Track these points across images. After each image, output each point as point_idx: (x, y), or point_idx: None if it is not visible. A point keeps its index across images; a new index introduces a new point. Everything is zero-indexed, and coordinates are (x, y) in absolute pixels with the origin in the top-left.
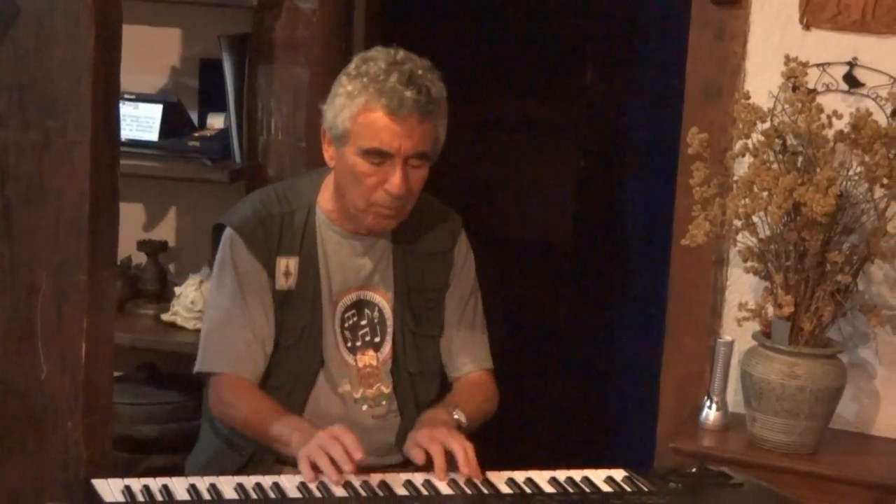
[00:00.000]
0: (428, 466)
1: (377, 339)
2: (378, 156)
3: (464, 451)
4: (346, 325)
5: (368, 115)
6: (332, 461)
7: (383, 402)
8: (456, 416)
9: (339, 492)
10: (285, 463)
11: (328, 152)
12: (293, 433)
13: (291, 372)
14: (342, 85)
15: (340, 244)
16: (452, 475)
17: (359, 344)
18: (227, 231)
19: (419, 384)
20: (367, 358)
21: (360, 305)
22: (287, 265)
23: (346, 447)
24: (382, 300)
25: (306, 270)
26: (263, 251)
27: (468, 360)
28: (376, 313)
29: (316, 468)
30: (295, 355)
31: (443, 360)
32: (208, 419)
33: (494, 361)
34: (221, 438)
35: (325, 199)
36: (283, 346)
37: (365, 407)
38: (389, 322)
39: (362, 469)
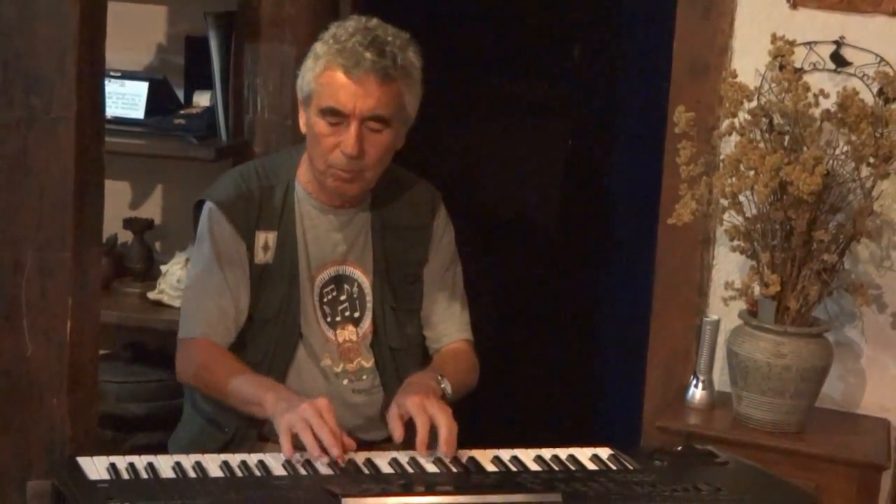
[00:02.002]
0: (409, 441)
1: (356, 315)
2: (334, 115)
3: (448, 431)
4: (325, 300)
5: (328, 75)
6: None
7: (364, 377)
8: (443, 385)
9: (325, 470)
10: (268, 440)
11: (301, 118)
12: (267, 393)
13: (270, 346)
14: (313, 49)
15: (319, 219)
16: (432, 452)
17: (338, 319)
18: (207, 205)
19: (401, 359)
20: (347, 333)
21: (338, 280)
22: (266, 239)
23: (335, 432)
24: (361, 275)
25: (284, 245)
26: (243, 224)
27: (449, 330)
28: (355, 288)
29: (297, 441)
30: (273, 330)
31: (423, 332)
32: (190, 397)
33: (480, 341)
34: (204, 417)
35: (304, 173)
36: (260, 320)
37: (346, 381)
38: (369, 297)
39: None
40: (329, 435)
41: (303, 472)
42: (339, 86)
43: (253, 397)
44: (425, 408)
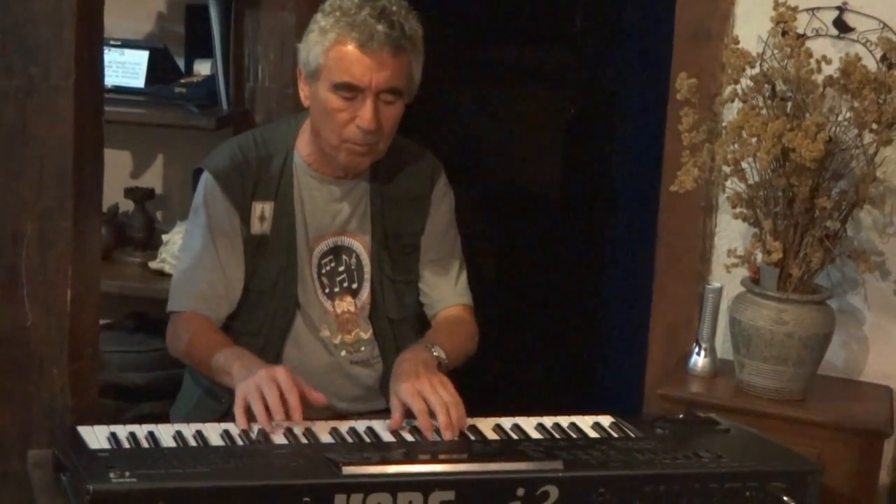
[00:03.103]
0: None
1: (355, 286)
2: (349, 90)
3: (446, 411)
4: (324, 270)
5: (340, 49)
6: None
7: (363, 348)
8: (436, 354)
9: (325, 438)
10: None
11: (304, 91)
12: (235, 361)
13: (267, 317)
14: (316, 21)
15: (318, 189)
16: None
17: (336, 290)
18: (204, 174)
19: (400, 330)
20: (345, 304)
21: (337, 251)
22: (262, 210)
23: (284, 393)
24: (360, 246)
25: (282, 215)
26: (238, 195)
27: (445, 295)
28: (354, 259)
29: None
30: (270, 300)
31: (420, 298)
32: (189, 368)
33: (484, 309)
34: (202, 388)
35: (303, 144)
36: (257, 290)
37: (344, 353)
38: (367, 268)
39: (348, 415)
40: (276, 399)
41: (304, 440)
42: (353, 60)
43: (225, 367)
44: (419, 392)
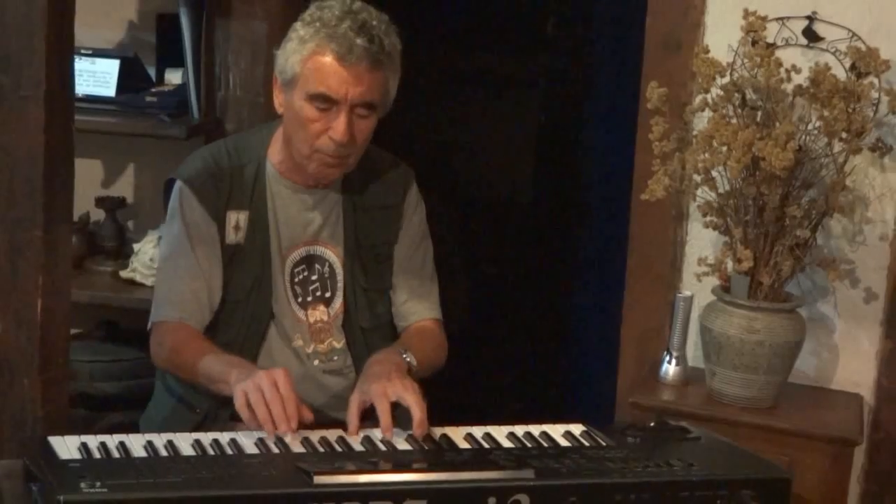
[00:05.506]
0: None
1: (328, 295)
2: (324, 101)
3: (420, 411)
4: (297, 280)
5: (317, 60)
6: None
7: (335, 358)
8: (407, 359)
9: (297, 447)
10: (240, 420)
11: (278, 99)
12: (232, 370)
13: (242, 327)
14: (295, 30)
15: (290, 198)
16: (403, 432)
17: (310, 299)
18: (178, 184)
19: (372, 339)
20: (318, 313)
21: (310, 260)
22: (237, 219)
23: (286, 406)
24: (333, 255)
25: (255, 225)
26: (213, 204)
27: (416, 309)
28: (327, 268)
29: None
30: (244, 310)
31: (392, 310)
32: (161, 377)
33: (455, 318)
34: (175, 397)
35: (275, 153)
36: (232, 300)
37: (317, 362)
38: (340, 277)
39: (318, 424)
40: (280, 408)
41: (275, 450)
42: (330, 72)
43: (219, 375)
44: (388, 394)
